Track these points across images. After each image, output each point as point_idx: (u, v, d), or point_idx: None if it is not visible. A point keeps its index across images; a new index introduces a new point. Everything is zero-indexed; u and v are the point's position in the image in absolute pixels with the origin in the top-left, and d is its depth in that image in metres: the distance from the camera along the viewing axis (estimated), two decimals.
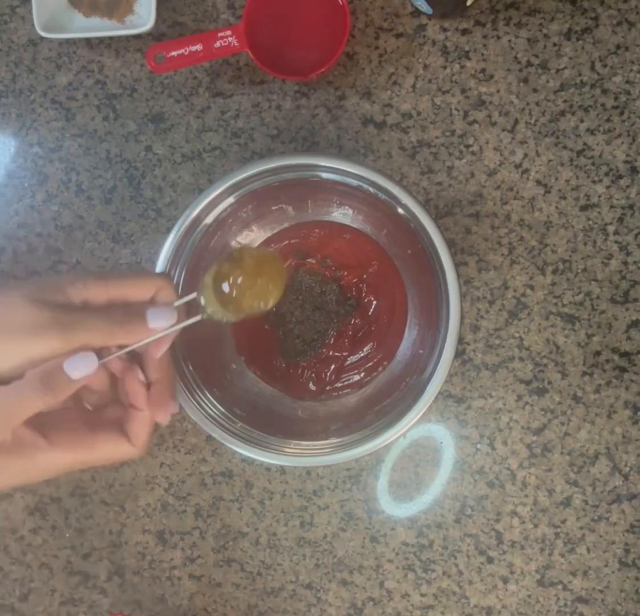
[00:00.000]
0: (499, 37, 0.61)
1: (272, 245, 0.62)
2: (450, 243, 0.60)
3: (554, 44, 0.61)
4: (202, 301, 0.45)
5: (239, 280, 0.44)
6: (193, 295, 0.46)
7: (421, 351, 0.57)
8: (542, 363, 0.62)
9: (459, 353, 0.62)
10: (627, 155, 0.60)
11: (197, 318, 0.46)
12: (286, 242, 0.62)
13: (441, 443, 0.63)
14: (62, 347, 0.41)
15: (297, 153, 0.63)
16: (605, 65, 0.60)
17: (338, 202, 0.59)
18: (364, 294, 0.61)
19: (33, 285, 0.42)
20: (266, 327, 0.62)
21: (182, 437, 0.66)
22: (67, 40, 0.66)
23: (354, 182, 0.54)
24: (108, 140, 0.66)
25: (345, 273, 0.61)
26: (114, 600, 0.69)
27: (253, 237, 0.62)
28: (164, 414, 0.47)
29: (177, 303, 0.46)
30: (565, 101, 0.61)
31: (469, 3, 0.57)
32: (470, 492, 0.63)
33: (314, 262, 0.61)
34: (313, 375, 0.62)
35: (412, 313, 0.60)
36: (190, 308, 0.48)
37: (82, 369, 0.41)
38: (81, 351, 0.42)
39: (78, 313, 0.41)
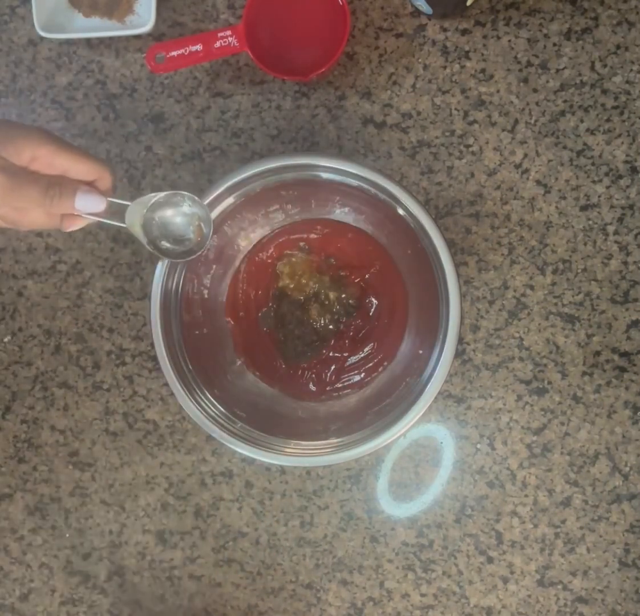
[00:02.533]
0: (499, 37, 0.61)
1: (275, 239, 0.62)
2: (450, 243, 0.60)
3: (554, 44, 0.61)
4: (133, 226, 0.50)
5: None
6: (127, 203, 0.49)
7: (421, 351, 0.57)
8: (542, 363, 0.62)
9: (459, 353, 0.62)
10: (627, 155, 0.60)
11: (122, 225, 0.49)
12: (287, 237, 0.62)
13: (441, 443, 0.63)
14: None
15: (297, 153, 0.63)
16: (605, 65, 0.60)
17: (339, 202, 0.59)
18: (365, 295, 0.61)
19: None
20: (265, 329, 0.62)
21: (182, 437, 0.66)
22: (67, 40, 0.66)
23: (354, 182, 0.54)
24: (108, 140, 0.66)
25: (349, 273, 0.61)
26: (114, 600, 0.69)
27: (253, 236, 0.62)
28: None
29: (112, 199, 0.49)
30: (565, 101, 0.61)
31: (469, 3, 0.57)
32: (470, 492, 0.63)
33: (316, 259, 0.61)
34: (313, 375, 0.62)
35: (413, 313, 0.60)
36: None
37: (91, 206, 0.47)
38: (94, 191, 0.47)
39: (21, 177, 0.45)
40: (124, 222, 0.49)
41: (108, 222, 0.49)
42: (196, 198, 0.50)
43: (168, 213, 0.50)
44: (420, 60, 0.62)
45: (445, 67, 0.62)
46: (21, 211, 0.46)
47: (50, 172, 0.46)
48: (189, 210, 0.50)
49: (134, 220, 0.49)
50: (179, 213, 0.50)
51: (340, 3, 0.58)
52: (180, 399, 0.55)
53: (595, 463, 0.61)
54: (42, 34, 0.63)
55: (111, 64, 0.66)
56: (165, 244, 0.51)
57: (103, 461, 0.68)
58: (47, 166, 0.46)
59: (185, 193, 0.50)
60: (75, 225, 0.49)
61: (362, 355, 0.61)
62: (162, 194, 0.49)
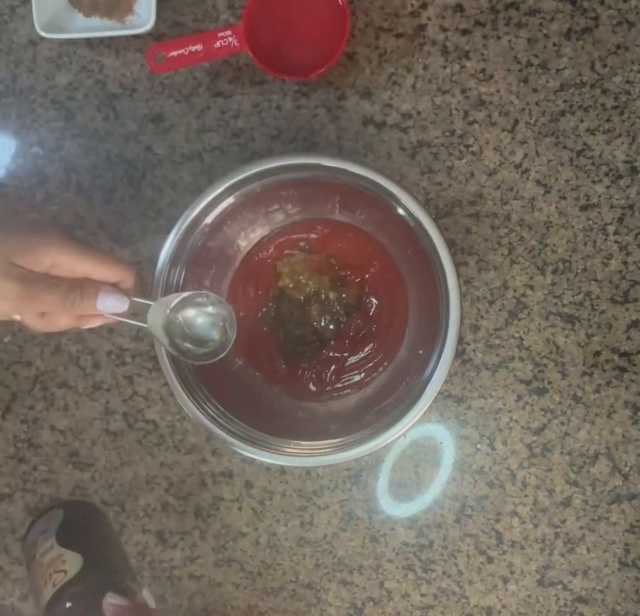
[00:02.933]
0: (499, 37, 0.61)
1: (275, 239, 0.62)
2: (450, 243, 0.60)
3: (554, 44, 0.61)
4: (156, 331, 0.48)
5: None
6: (150, 302, 0.48)
7: (421, 351, 0.57)
8: (542, 363, 0.62)
9: (459, 353, 0.62)
10: (627, 155, 0.60)
11: (144, 325, 0.48)
12: (287, 237, 0.62)
13: (441, 443, 0.63)
14: (13, 313, 0.45)
15: (297, 153, 0.63)
16: (605, 65, 0.60)
17: (340, 201, 0.59)
18: (365, 295, 0.61)
19: (12, 242, 0.44)
20: (265, 329, 0.62)
21: (182, 437, 0.66)
22: (67, 40, 0.66)
23: (354, 182, 0.54)
24: (108, 140, 0.66)
25: (349, 273, 0.61)
26: None
27: (253, 236, 0.62)
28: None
29: (134, 298, 0.48)
30: (565, 101, 0.61)
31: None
32: (470, 492, 0.63)
33: (316, 259, 0.61)
34: (313, 375, 0.62)
35: (413, 313, 0.60)
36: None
37: (113, 307, 0.46)
38: (116, 291, 0.46)
39: (39, 286, 0.44)
40: (145, 322, 0.48)
41: (129, 321, 0.48)
42: (221, 299, 0.49)
43: (191, 313, 0.49)
44: (420, 60, 0.62)
45: (445, 67, 0.62)
46: (46, 317, 0.46)
47: (72, 276, 0.45)
48: (213, 310, 0.49)
49: (155, 320, 0.48)
50: (203, 314, 0.49)
51: (340, 3, 0.58)
52: (180, 399, 0.55)
53: (595, 463, 0.61)
54: (42, 34, 0.63)
55: (111, 64, 0.66)
56: (188, 345, 0.49)
57: (103, 461, 0.68)
58: (69, 272, 0.45)
59: (210, 293, 0.49)
60: (91, 323, 0.48)
61: (362, 355, 0.61)
62: (185, 294, 0.48)
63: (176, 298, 0.48)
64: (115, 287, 0.47)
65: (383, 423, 0.54)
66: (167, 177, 0.65)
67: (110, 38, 0.65)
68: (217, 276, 0.61)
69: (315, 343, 0.61)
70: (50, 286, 0.45)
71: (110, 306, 0.47)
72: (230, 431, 0.55)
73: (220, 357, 0.50)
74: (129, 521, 0.68)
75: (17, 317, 0.46)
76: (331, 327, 0.61)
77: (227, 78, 0.64)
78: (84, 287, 0.46)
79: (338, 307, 0.61)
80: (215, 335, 0.50)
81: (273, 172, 0.54)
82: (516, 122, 0.61)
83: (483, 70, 0.61)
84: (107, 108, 0.66)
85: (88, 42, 0.66)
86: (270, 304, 0.62)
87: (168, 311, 0.48)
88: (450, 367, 0.52)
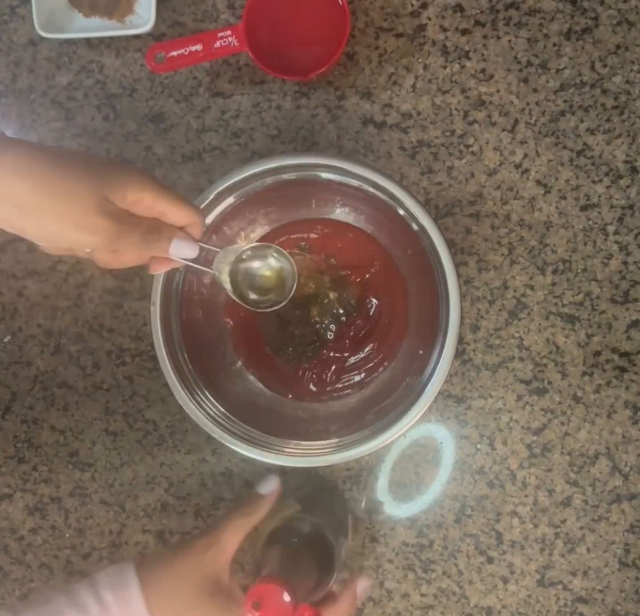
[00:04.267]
0: (499, 37, 0.61)
1: (275, 239, 0.62)
2: (450, 243, 0.60)
3: (554, 44, 0.61)
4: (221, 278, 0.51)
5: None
6: (217, 249, 0.50)
7: (421, 351, 0.57)
8: (542, 363, 0.62)
9: (459, 353, 0.62)
10: (627, 155, 0.60)
11: (209, 271, 0.51)
12: (287, 236, 0.62)
13: (441, 443, 0.63)
14: (98, 247, 0.46)
15: (297, 153, 0.63)
16: (605, 65, 0.60)
17: (340, 201, 0.59)
18: (365, 295, 0.61)
19: (102, 178, 0.44)
20: (265, 329, 0.62)
21: (182, 437, 0.66)
22: (67, 40, 0.66)
23: (354, 182, 0.54)
24: (108, 140, 0.66)
25: (349, 273, 0.61)
26: None
27: (253, 236, 0.62)
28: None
29: (203, 244, 0.50)
30: (565, 101, 0.61)
31: None
32: (470, 492, 0.63)
33: (316, 258, 0.61)
34: (314, 376, 0.61)
35: (413, 313, 0.60)
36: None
37: (184, 252, 0.48)
38: (189, 238, 0.48)
39: (127, 224, 0.45)
40: (210, 268, 0.50)
41: (196, 266, 0.50)
42: (284, 252, 0.52)
43: (255, 264, 0.52)
44: (420, 60, 0.62)
45: (445, 67, 0.62)
46: (116, 253, 0.48)
47: (148, 215, 0.47)
48: (276, 263, 0.52)
49: (221, 267, 0.50)
50: (266, 266, 0.52)
51: (340, 3, 0.58)
52: (180, 399, 0.55)
53: (595, 463, 0.61)
54: (42, 34, 0.63)
55: (111, 64, 0.66)
56: (249, 293, 0.52)
57: (103, 461, 0.68)
58: (147, 210, 0.46)
59: (274, 246, 0.52)
60: (161, 269, 0.50)
61: (363, 355, 0.61)
62: (252, 245, 0.51)
63: (243, 249, 0.51)
64: (185, 231, 0.49)
65: (383, 423, 0.54)
66: (167, 177, 0.65)
67: (110, 38, 0.65)
68: None
69: (315, 343, 0.61)
70: (134, 225, 0.46)
71: (182, 251, 0.49)
72: (230, 431, 0.55)
73: (279, 306, 0.52)
74: (129, 521, 0.68)
75: (88, 250, 0.47)
76: (331, 327, 0.61)
77: (227, 78, 0.64)
78: (161, 229, 0.48)
79: (338, 307, 0.61)
80: (276, 285, 0.52)
81: (273, 172, 0.55)
82: (516, 122, 0.61)
83: (483, 70, 0.61)
84: (107, 108, 0.66)
85: (88, 42, 0.66)
86: None
87: (234, 259, 0.50)
88: (450, 367, 0.52)
